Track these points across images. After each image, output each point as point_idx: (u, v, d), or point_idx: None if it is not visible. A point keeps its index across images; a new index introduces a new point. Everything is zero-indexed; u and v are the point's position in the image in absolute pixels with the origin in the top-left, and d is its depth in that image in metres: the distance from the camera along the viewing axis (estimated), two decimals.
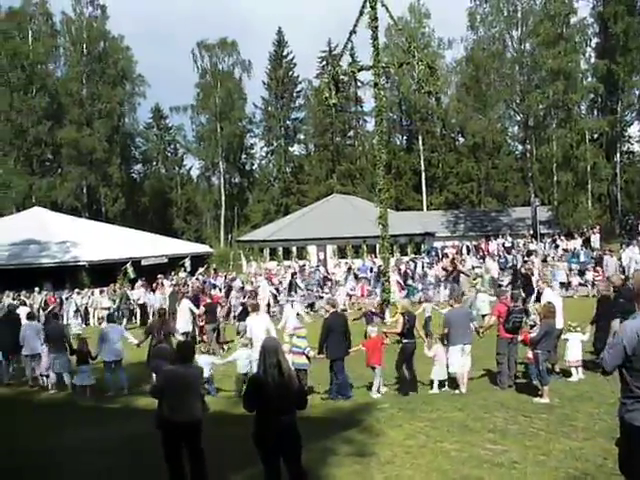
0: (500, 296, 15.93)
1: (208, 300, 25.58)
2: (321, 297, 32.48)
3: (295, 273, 36.09)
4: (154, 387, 8.76)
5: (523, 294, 22.73)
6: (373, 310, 21.91)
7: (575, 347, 14.57)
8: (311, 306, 31.14)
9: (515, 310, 14.42)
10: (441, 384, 14.59)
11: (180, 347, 9.05)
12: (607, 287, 15.95)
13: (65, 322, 28.89)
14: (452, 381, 14.58)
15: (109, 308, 31.20)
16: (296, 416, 7.26)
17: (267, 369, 7.06)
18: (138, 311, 32.68)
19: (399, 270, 33.48)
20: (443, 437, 10.28)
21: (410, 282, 32.94)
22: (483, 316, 20.69)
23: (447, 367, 14.47)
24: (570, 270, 31.77)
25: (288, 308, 22.45)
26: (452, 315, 14.80)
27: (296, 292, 32.77)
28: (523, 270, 27.04)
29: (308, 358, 14.57)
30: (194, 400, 8.26)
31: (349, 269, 37.62)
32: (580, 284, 30.96)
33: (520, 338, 14.45)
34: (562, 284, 29.41)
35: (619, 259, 31.80)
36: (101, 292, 34.21)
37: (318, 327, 15.18)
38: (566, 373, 14.72)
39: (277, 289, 33.11)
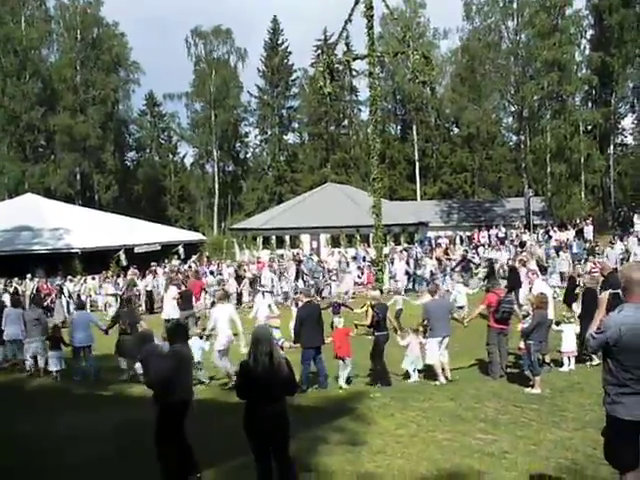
0: (492, 287, 15.91)
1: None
2: (329, 285, 32.52)
3: (301, 261, 36.24)
4: (168, 370, 8.55)
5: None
6: (340, 301, 21.77)
7: (570, 338, 14.69)
8: (319, 293, 31.12)
9: (506, 300, 14.50)
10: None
11: (177, 327, 9.09)
12: (592, 280, 16.08)
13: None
14: (430, 372, 14.62)
15: (115, 295, 31.37)
16: (286, 404, 7.30)
17: (258, 357, 7.08)
18: (143, 298, 32.66)
19: (407, 259, 33.60)
20: (434, 426, 10.32)
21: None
22: (460, 307, 20.81)
23: (422, 358, 14.50)
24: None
25: (259, 298, 22.61)
26: (432, 306, 14.79)
27: (303, 280, 32.98)
28: (511, 263, 27.10)
29: (282, 348, 14.46)
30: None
31: (354, 257, 37.78)
32: (579, 275, 31.09)
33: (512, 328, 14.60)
34: (562, 274, 29.61)
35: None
36: (106, 279, 34.31)
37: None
38: (557, 363, 14.80)
39: (279, 277, 33.27)
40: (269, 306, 21.42)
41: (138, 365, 15.06)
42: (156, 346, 9.66)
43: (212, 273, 35.33)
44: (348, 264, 35.77)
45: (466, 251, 34.69)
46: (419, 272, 32.66)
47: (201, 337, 16.24)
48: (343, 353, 14.37)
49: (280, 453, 7.22)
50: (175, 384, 8.14)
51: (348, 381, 14.57)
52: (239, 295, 31.55)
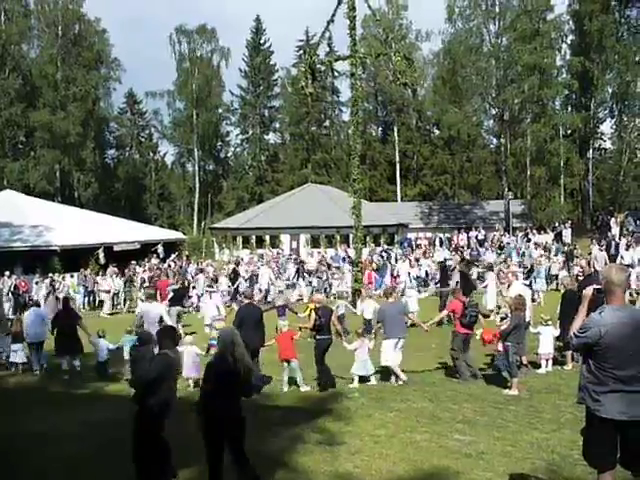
0: (455, 293, 15.86)
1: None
2: (330, 285, 32.62)
3: (303, 261, 36.40)
4: (152, 372, 8.52)
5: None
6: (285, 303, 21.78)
7: (547, 340, 14.81)
8: (325, 291, 31.31)
9: (471, 305, 14.63)
10: (363, 379, 14.51)
11: (166, 331, 9.07)
12: (572, 282, 16.22)
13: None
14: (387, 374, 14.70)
15: (108, 291, 31.35)
16: (241, 404, 7.42)
17: (237, 359, 7.23)
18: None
19: (410, 261, 33.72)
20: (412, 427, 10.35)
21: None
22: (411, 312, 20.86)
23: (368, 362, 14.45)
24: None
25: (207, 299, 22.86)
26: (387, 309, 14.81)
27: (303, 279, 33.17)
28: (459, 268, 26.93)
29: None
30: None
31: (331, 258, 37.93)
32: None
33: (484, 337, 14.70)
34: (554, 276, 29.85)
35: (589, 254, 32.24)
36: (116, 275, 34.41)
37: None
38: (534, 365, 14.90)
39: (277, 276, 33.38)
40: (217, 307, 21.74)
41: (77, 363, 17.01)
42: (148, 349, 9.67)
43: (202, 271, 35.30)
44: (345, 259, 36.01)
45: (444, 261, 34.06)
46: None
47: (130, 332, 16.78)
48: (288, 356, 14.37)
49: (236, 450, 7.32)
50: (158, 387, 8.15)
51: (296, 383, 14.49)
52: (235, 293, 31.85)
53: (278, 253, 42.09)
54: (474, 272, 28.10)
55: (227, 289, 32.02)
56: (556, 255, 33.32)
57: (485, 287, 24.44)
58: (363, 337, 14.91)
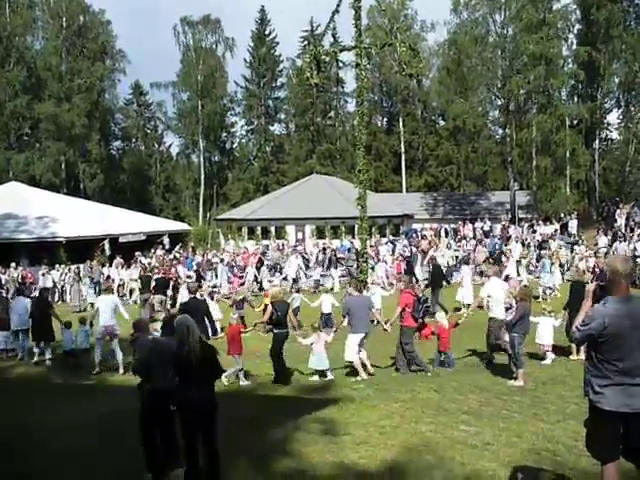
0: (405, 287, 15.61)
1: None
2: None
3: (334, 250, 36.42)
4: (148, 358, 8.69)
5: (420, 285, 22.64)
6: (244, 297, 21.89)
7: (547, 331, 14.77)
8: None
9: (423, 299, 14.70)
10: (322, 374, 14.46)
11: (167, 320, 9.18)
12: (580, 273, 16.19)
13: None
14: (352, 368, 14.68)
15: (136, 280, 31.62)
16: (214, 390, 7.58)
17: (189, 344, 7.38)
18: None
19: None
20: (417, 418, 10.35)
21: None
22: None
23: (323, 356, 14.40)
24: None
25: (184, 291, 23.40)
26: (352, 303, 14.72)
27: (335, 268, 33.05)
28: (433, 260, 26.79)
29: None
30: None
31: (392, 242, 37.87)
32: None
33: (423, 331, 14.99)
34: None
35: (594, 245, 32.20)
36: (128, 266, 34.79)
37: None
38: (537, 357, 14.87)
39: (306, 265, 33.33)
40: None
41: (48, 352, 17.82)
42: (146, 336, 9.71)
43: (222, 261, 35.46)
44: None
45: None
46: None
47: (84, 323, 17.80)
48: (232, 350, 14.30)
49: (208, 438, 7.42)
50: (157, 372, 8.26)
51: (236, 377, 14.47)
52: (260, 282, 32.25)
53: (283, 245, 42.07)
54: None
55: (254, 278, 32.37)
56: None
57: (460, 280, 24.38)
58: (320, 331, 14.97)
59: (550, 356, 14.73)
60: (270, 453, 8.75)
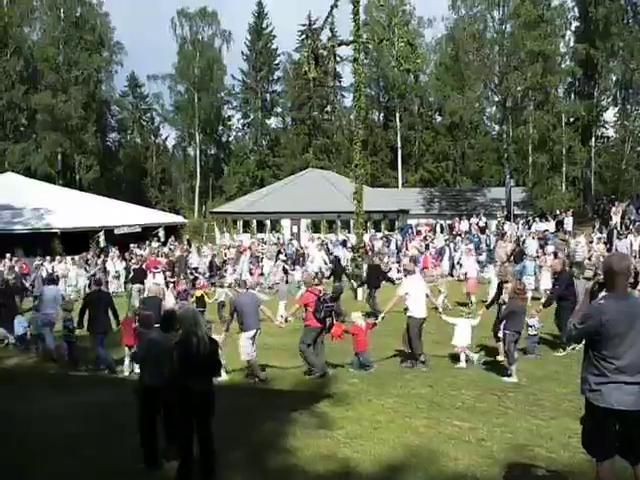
0: (308, 285, 15.43)
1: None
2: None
3: (373, 242, 36.35)
4: (143, 353, 8.82)
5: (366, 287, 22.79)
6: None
7: (463, 332, 14.68)
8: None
9: (325, 299, 14.31)
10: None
11: (162, 316, 9.16)
12: (503, 272, 16.12)
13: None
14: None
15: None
16: (212, 382, 7.65)
17: (191, 336, 7.41)
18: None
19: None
20: (411, 413, 10.36)
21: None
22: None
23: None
24: None
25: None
26: (241, 301, 14.63)
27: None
28: (371, 261, 26.36)
29: None
30: None
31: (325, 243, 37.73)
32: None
33: (333, 330, 14.63)
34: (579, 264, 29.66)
35: (590, 242, 32.18)
36: (124, 258, 34.68)
37: None
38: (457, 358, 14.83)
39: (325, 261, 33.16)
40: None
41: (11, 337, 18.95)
42: (148, 332, 9.74)
43: (242, 252, 35.58)
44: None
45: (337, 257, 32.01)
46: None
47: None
48: (126, 342, 14.84)
49: (203, 427, 7.43)
50: (149, 369, 8.39)
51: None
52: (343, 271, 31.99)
53: (279, 239, 42.05)
54: None
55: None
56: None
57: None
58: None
59: (471, 356, 14.66)
60: (263, 447, 8.75)
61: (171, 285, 25.27)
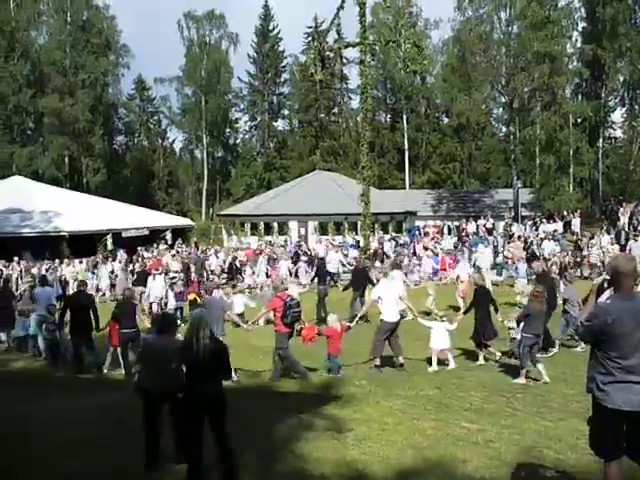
0: (277, 290, 15.60)
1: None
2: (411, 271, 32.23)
3: (382, 244, 36.29)
4: (140, 356, 8.91)
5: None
6: None
7: (439, 336, 14.70)
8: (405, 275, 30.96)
9: (292, 304, 14.22)
10: None
11: (159, 318, 9.18)
12: (541, 264, 16.13)
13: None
14: None
15: (176, 271, 31.74)
16: (221, 387, 7.63)
17: (200, 339, 7.43)
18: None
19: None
20: (419, 415, 10.34)
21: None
22: None
23: None
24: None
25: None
26: (207, 305, 14.65)
27: (382, 262, 32.74)
28: (355, 263, 26.30)
29: None
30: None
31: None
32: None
33: (304, 333, 14.69)
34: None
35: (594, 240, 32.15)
36: (131, 261, 34.75)
37: None
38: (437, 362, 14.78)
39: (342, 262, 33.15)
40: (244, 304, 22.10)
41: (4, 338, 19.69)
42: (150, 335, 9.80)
43: (260, 253, 35.74)
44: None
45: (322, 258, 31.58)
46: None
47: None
48: (113, 342, 15.88)
49: (218, 429, 7.48)
50: (146, 372, 8.47)
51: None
52: (296, 275, 32.28)
53: (286, 241, 42.08)
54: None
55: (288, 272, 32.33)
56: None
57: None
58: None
59: (437, 361, 14.62)
60: (271, 450, 8.75)
61: (173, 287, 25.40)
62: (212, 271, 33.70)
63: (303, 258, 33.91)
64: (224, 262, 35.48)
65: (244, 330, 15.60)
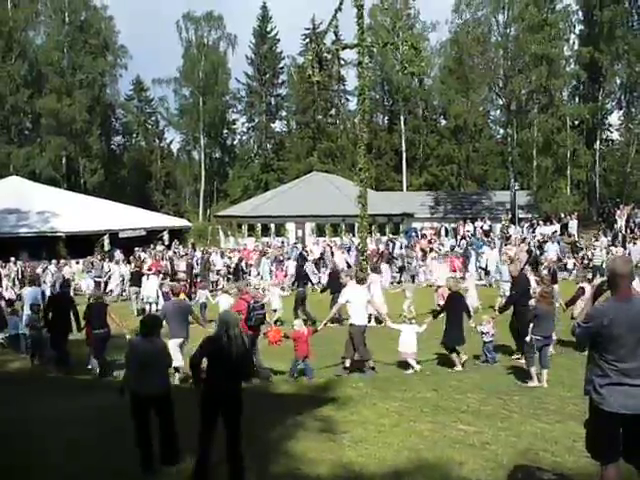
0: (240, 293, 15.67)
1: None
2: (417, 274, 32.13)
3: (388, 245, 36.24)
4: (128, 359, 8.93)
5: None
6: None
7: (408, 339, 14.66)
8: (412, 278, 30.96)
9: (256, 307, 14.46)
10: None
11: (142, 321, 9.18)
12: (454, 284, 16.01)
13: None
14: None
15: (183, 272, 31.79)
16: (240, 389, 7.75)
17: (232, 338, 7.53)
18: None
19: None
20: (416, 417, 10.35)
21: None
22: (274, 310, 21.01)
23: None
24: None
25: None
26: (169, 307, 14.81)
27: (390, 264, 32.64)
28: (333, 267, 26.40)
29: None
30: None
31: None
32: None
33: (270, 336, 14.84)
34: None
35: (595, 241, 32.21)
36: (128, 262, 34.47)
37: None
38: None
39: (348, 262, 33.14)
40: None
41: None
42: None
43: (264, 254, 35.75)
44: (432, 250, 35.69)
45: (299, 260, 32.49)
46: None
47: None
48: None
49: (231, 429, 7.56)
50: (133, 374, 8.47)
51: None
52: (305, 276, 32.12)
53: (283, 242, 42.07)
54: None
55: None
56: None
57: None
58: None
59: (414, 364, 14.59)
60: (268, 451, 8.75)
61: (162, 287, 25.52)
62: (218, 271, 33.64)
63: (310, 258, 33.83)
64: (229, 262, 35.37)
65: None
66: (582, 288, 16.06)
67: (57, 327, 15.90)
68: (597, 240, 32.85)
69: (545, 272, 23.14)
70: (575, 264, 30.59)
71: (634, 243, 30.97)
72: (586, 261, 30.97)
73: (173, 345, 13.93)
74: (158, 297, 24.37)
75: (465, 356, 14.90)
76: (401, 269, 32.53)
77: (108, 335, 15.42)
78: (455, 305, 15.02)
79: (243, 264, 34.65)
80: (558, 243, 33.78)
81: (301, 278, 24.63)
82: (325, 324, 15.83)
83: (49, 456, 8.97)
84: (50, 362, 16.48)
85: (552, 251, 31.68)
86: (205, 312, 21.35)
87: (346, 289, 15.44)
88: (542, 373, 12.67)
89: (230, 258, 36.06)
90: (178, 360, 13.93)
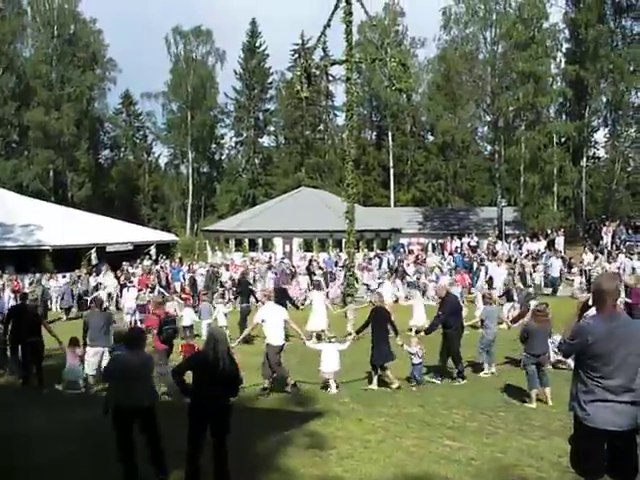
0: (155, 309, 15.50)
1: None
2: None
3: (401, 260, 36.10)
4: (109, 372, 8.90)
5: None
6: None
7: (329, 358, 14.35)
8: (423, 293, 30.34)
9: (169, 321, 14.47)
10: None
11: (126, 334, 9.17)
12: (377, 299, 15.85)
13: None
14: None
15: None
16: (229, 403, 7.81)
17: (218, 355, 7.59)
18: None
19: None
20: (402, 433, 10.35)
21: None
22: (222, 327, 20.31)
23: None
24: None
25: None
26: (91, 317, 15.13)
27: (402, 279, 32.38)
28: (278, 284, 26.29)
29: None
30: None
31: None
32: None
33: (183, 349, 14.83)
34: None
35: (580, 262, 32.28)
36: (115, 276, 34.39)
37: None
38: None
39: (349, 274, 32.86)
40: (224, 314, 21.96)
41: None
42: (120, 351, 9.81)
43: (270, 267, 35.68)
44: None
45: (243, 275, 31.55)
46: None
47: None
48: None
49: (218, 445, 7.61)
50: (116, 388, 8.46)
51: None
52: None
53: (270, 257, 42.00)
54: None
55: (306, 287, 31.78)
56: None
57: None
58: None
59: (333, 386, 14.18)
60: (255, 467, 8.71)
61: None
62: (222, 284, 33.42)
63: (318, 272, 33.70)
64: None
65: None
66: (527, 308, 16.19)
67: (15, 338, 15.77)
68: (597, 258, 32.82)
69: (494, 292, 23.30)
70: (581, 282, 30.29)
71: (630, 258, 30.68)
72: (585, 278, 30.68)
73: (92, 352, 14.62)
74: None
75: (397, 382, 14.31)
76: (409, 284, 32.27)
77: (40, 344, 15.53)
78: (379, 320, 14.49)
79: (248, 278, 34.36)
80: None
81: (244, 294, 24.12)
82: (237, 342, 15.57)
83: (34, 474, 8.90)
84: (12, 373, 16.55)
85: (556, 267, 31.66)
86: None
87: (262, 309, 15.33)
88: (545, 392, 12.55)
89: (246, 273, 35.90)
90: (90, 369, 14.68)
